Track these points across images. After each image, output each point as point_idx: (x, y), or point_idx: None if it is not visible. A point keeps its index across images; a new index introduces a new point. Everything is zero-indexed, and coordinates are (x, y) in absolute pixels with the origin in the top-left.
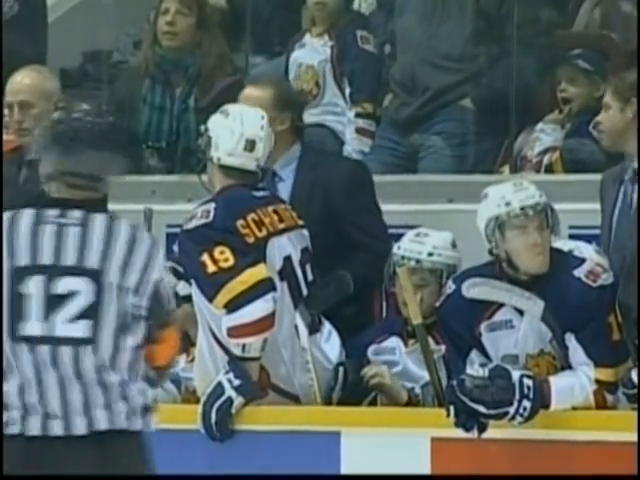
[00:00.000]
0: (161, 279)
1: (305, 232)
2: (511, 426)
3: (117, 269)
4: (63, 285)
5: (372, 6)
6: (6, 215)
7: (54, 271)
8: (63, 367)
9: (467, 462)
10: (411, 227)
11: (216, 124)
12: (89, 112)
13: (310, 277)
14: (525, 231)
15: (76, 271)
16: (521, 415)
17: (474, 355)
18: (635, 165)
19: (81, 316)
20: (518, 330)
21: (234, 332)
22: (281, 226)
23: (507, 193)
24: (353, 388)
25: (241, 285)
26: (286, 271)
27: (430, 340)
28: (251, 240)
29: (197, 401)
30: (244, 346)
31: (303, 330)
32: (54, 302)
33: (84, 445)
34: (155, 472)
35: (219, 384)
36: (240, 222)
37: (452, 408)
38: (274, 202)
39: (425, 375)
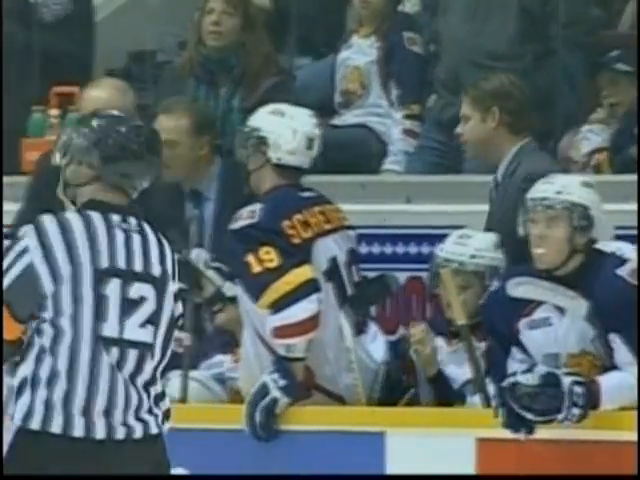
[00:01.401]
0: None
1: (351, 233)
2: (558, 426)
3: (171, 276)
4: (135, 290)
5: (416, 6)
6: (48, 217)
7: (128, 276)
8: (127, 371)
9: (512, 462)
10: (455, 227)
11: (272, 124)
12: (125, 120)
13: (356, 278)
14: (533, 223)
15: (144, 277)
16: (569, 420)
17: (515, 352)
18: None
19: (147, 322)
20: (556, 328)
21: (279, 332)
22: (327, 227)
23: (534, 188)
24: (394, 387)
25: (286, 285)
26: (332, 272)
27: (474, 340)
28: (297, 241)
29: (242, 401)
30: (289, 346)
31: (348, 330)
32: (128, 306)
33: (140, 449)
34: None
35: (264, 384)
36: (286, 223)
37: (501, 410)
38: (321, 203)
39: (464, 376)
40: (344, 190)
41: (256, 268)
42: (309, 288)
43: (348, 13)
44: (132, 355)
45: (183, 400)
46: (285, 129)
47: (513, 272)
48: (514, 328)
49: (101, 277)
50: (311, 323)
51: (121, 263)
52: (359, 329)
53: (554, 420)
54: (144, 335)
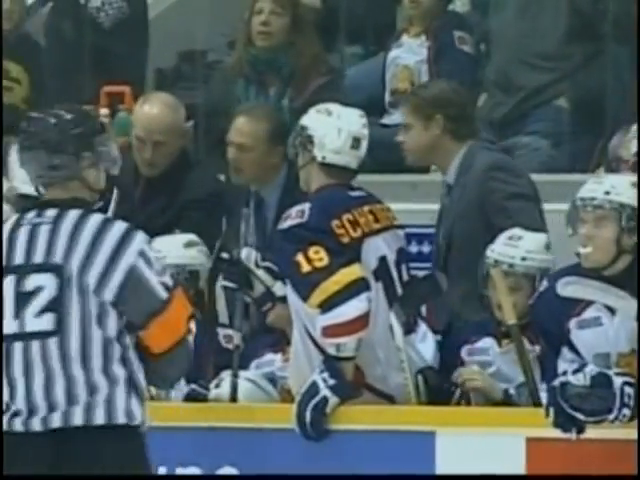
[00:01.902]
0: (133, 267)
1: (400, 232)
2: (609, 426)
3: (78, 263)
4: (30, 282)
5: (466, 5)
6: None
7: (24, 270)
8: (32, 362)
9: (562, 462)
10: None
11: (319, 123)
12: (50, 117)
13: (405, 277)
14: (582, 223)
15: (43, 267)
16: (620, 421)
17: (566, 352)
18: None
19: (45, 309)
20: (607, 328)
21: (328, 332)
22: (377, 226)
23: (583, 187)
24: (437, 392)
25: (335, 285)
26: (381, 271)
27: (525, 341)
28: (346, 240)
29: (293, 400)
30: (338, 346)
31: (398, 330)
32: (23, 299)
33: (40, 441)
34: (145, 470)
35: (314, 383)
36: (335, 222)
37: (552, 410)
38: (370, 202)
39: (519, 376)
40: (394, 190)
41: (305, 267)
42: (358, 287)
43: (398, 12)
44: (35, 346)
45: (233, 399)
46: (331, 128)
47: (562, 272)
48: (564, 328)
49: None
50: (361, 322)
51: (19, 259)
52: (409, 328)
53: (605, 420)
54: (41, 324)
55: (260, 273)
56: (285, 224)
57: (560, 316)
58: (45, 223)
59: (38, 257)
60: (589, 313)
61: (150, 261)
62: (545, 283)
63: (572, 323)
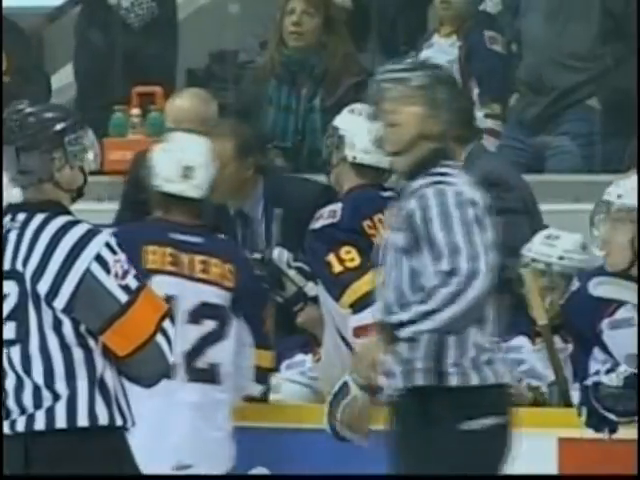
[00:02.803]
0: (86, 272)
1: None
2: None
3: (32, 270)
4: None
5: (498, 6)
6: None
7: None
8: (4, 368)
9: (595, 462)
10: None
11: (349, 123)
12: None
13: None
14: (597, 227)
15: (8, 275)
16: None
17: (597, 352)
18: None
19: (7, 318)
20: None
21: (360, 332)
22: None
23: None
24: None
25: (367, 285)
26: None
27: (558, 340)
28: (378, 240)
29: (324, 400)
30: None
31: None
32: None
33: (9, 446)
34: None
35: (345, 384)
36: (367, 222)
37: (584, 410)
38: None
39: (552, 374)
40: None
41: (337, 268)
42: None
43: (428, 12)
44: (4, 355)
45: (264, 399)
46: (361, 128)
47: (594, 272)
48: (597, 328)
49: None
50: None
51: None
52: None
53: (637, 421)
54: (5, 332)
55: (292, 273)
56: (317, 224)
57: (592, 316)
58: (14, 228)
59: (6, 264)
60: (621, 314)
61: (108, 265)
62: (577, 283)
63: (604, 323)
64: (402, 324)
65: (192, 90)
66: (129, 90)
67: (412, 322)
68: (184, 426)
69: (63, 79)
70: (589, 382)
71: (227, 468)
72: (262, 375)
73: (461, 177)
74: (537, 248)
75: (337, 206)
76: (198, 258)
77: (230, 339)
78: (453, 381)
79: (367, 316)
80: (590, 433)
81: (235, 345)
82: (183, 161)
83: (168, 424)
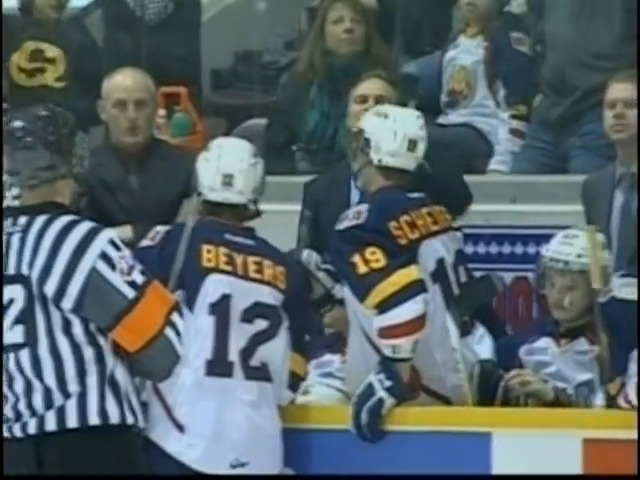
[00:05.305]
0: (92, 271)
1: (459, 234)
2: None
3: (38, 272)
4: (7, 294)
5: (522, 6)
6: None
7: (4, 281)
8: (12, 372)
9: (619, 463)
10: (562, 228)
11: (375, 126)
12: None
13: (464, 279)
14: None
15: (14, 279)
16: None
17: (636, 354)
18: (633, 169)
19: (16, 321)
20: None
21: (385, 333)
22: (434, 228)
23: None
24: (490, 383)
25: (392, 286)
26: (439, 273)
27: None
28: (403, 242)
29: (349, 401)
30: (394, 347)
31: (454, 330)
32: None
33: (21, 449)
34: (132, 469)
35: (370, 385)
36: (392, 224)
37: None
38: (428, 204)
39: (578, 376)
40: None
41: (362, 269)
42: (415, 289)
43: (453, 13)
44: (11, 359)
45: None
46: (386, 131)
47: (625, 272)
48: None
49: None
50: (417, 324)
51: None
52: (466, 330)
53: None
54: (14, 336)
55: (320, 275)
56: (342, 225)
57: (632, 317)
58: (16, 232)
59: (10, 268)
60: None
61: (113, 261)
62: (613, 283)
63: None
64: None
65: (127, 68)
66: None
67: None
68: (243, 423)
69: None
70: None
71: (280, 467)
72: (295, 382)
73: None
74: (555, 247)
75: (363, 207)
76: (251, 259)
77: (281, 338)
78: None
79: (392, 317)
80: (615, 434)
81: (284, 346)
82: (222, 169)
83: (227, 422)
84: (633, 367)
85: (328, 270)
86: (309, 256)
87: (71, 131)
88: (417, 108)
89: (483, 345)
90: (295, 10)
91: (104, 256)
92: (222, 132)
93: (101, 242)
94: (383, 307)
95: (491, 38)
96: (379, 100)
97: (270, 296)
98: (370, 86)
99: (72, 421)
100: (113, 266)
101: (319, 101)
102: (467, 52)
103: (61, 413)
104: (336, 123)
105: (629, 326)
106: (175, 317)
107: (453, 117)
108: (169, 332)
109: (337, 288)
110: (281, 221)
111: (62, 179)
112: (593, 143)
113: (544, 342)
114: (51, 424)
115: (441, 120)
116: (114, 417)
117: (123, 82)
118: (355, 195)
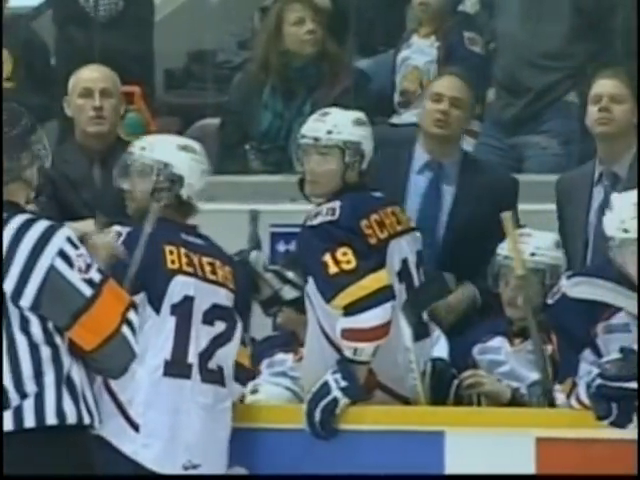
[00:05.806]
0: (50, 269)
1: (418, 234)
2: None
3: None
4: None
5: (476, 5)
6: None
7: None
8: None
9: (573, 462)
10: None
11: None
12: None
13: (422, 279)
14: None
15: None
16: None
17: (588, 354)
18: (614, 169)
19: None
20: (635, 335)
21: (348, 335)
22: (399, 228)
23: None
24: (443, 382)
25: (362, 290)
26: (404, 273)
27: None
28: (373, 241)
29: (302, 400)
30: (356, 350)
31: (407, 330)
32: None
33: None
34: (87, 470)
35: (325, 383)
36: (364, 222)
37: (605, 405)
38: (391, 203)
39: (531, 375)
40: None
41: (333, 269)
42: (385, 295)
43: (407, 13)
44: None
45: (241, 400)
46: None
47: (584, 272)
48: (592, 331)
49: None
50: (382, 330)
51: None
52: (425, 332)
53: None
54: None
55: (268, 276)
56: (315, 220)
57: (587, 319)
58: None
59: None
60: (618, 319)
61: (71, 259)
62: (562, 283)
63: (600, 327)
64: None
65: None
66: None
67: None
68: (197, 426)
69: None
70: (592, 376)
71: (225, 468)
72: (240, 373)
73: None
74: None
75: (336, 204)
76: (205, 260)
77: (235, 342)
78: None
79: (358, 320)
80: (568, 433)
81: (236, 349)
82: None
83: (183, 424)
84: (584, 367)
85: (275, 271)
86: (257, 257)
87: (25, 130)
88: (370, 107)
89: (439, 346)
90: (248, 9)
91: (62, 254)
92: (175, 131)
93: (59, 240)
94: (351, 310)
95: (444, 38)
96: (453, 103)
97: (225, 298)
98: (446, 84)
99: (29, 421)
100: (71, 264)
101: (272, 102)
102: (420, 52)
103: (18, 412)
104: (289, 123)
105: (581, 326)
106: (131, 315)
107: (406, 117)
108: (125, 330)
109: (285, 289)
110: (233, 220)
111: (13, 182)
112: (548, 141)
113: (497, 341)
114: (9, 424)
115: (394, 120)
116: (71, 417)
117: (90, 74)
118: None
